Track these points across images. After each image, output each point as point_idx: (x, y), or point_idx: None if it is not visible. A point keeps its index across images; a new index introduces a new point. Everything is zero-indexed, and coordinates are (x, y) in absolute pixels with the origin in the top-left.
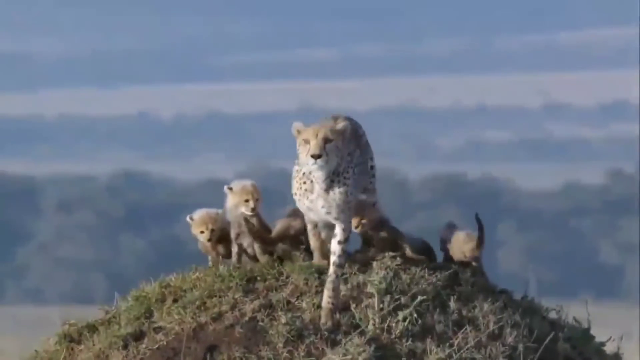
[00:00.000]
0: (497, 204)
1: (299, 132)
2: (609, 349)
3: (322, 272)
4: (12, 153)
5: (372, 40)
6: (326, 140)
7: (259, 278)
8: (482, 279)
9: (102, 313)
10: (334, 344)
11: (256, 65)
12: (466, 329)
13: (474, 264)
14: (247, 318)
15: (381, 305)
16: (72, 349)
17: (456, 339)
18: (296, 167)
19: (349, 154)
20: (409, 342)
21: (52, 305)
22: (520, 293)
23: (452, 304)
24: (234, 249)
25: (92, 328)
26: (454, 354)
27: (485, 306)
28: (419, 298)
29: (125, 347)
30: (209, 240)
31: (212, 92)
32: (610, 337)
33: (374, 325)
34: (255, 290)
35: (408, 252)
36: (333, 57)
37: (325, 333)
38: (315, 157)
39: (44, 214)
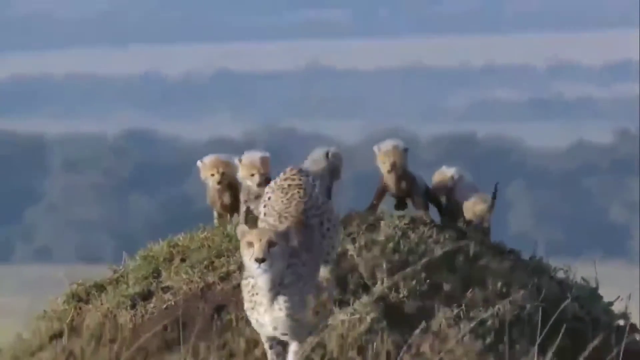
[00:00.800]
0: (506, 163)
1: (243, 234)
2: (617, 308)
3: None
4: (20, 113)
5: (380, 1)
6: (270, 244)
7: None
8: (489, 239)
9: (110, 273)
10: (343, 303)
11: (265, 25)
12: (474, 288)
13: (485, 224)
14: None
15: (389, 265)
16: (80, 309)
17: (464, 298)
18: (245, 280)
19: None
20: (417, 301)
21: (60, 264)
22: (529, 253)
23: (460, 264)
24: (242, 208)
25: (100, 288)
26: (462, 314)
27: (494, 265)
28: (427, 257)
29: (133, 306)
30: (219, 183)
31: (221, 52)
32: (618, 297)
33: (382, 284)
34: None
35: (419, 209)
36: (342, 18)
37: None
38: (259, 261)
39: (52, 174)
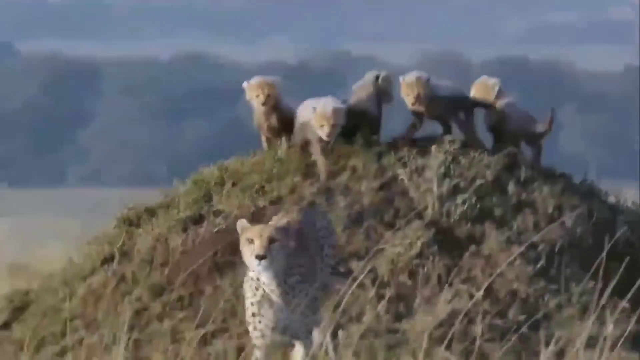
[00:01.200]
0: (558, 87)
1: (242, 230)
2: None
3: (381, 155)
4: (74, 35)
5: None
6: (271, 240)
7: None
8: (540, 163)
9: (161, 197)
10: (393, 227)
11: None
12: (525, 212)
13: (537, 148)
14: (305, 202)
15: (440, 190)
16: (132, 233)
17: (515, 222)
18: (247, 276)
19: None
20: (468, 225)
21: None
22: (580, 176)
23: (511, 188)
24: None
25: (151, 212)
26: (513, 238)
27: (545, 189)
28: (478, 182)
29: (185, 230)
30: (263, 104)
31: None
32: None
33: (432, 209)
34: (314, 174)
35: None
36: None
37: (384, 217)
38: (260, 257)
39: (105, 97)
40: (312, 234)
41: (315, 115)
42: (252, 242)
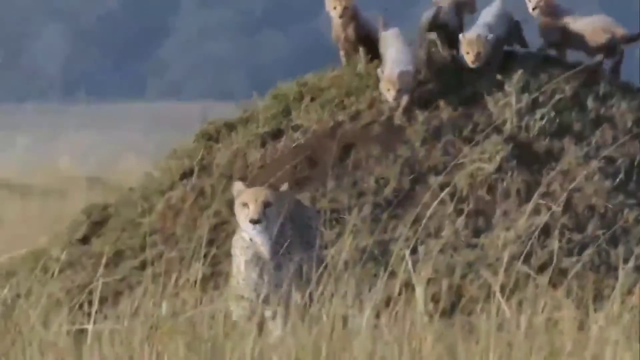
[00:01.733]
0: None
1: (238, 194)
2: None
3: (460, 70)
4: None
5: None
6: (266, 205)
7: None
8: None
9: (240, 111)
10: (472, 142)
11: None
12: (604, 127)
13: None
14: (384, 117)
15: (519, 104)
16: (210, 147)
17: (594, 137)
18: (237, 235)
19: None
20: (547, 140)
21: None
22: None
23: (590, 103)
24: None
25: (230, 126)
26: (591, 152)
27: (623, 105)
28: (557, 96)
29: (263, 145)
30: (340, 16)
31: None
32: None
33: (511, 124)
34: None
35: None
36: None
37: (463, 132)
38: (254, 222)
39: (185, 10)
40: (303, 223)
41: (383, 80)
42: (246, 206)
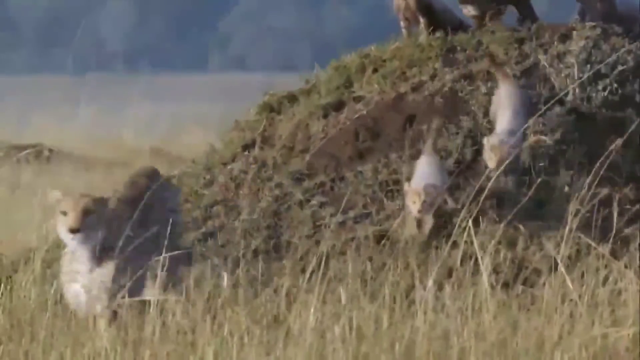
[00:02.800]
0: None
1: (57, 202)
2: None
3: (522, 42)
4: None
5: None
6: (86, 213)
7: (458, 48)
8: None
9: (302, 83)
10: (534, 114)
11: None
12: None
13: None
14: (447, 88)
15: (581, 75)
16: (272, 119)
17: None
18: (65, 250)
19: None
20: (609, 112)
21: (255, 73)
22: None
23: None
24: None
25: (292, 98)
26: None
27: None
28: (619, 68)
29: (325, 116)
30: None
31: None
32: None
33: (573, 95)
34: (455, 60)
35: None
36: None
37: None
38: (73, 231)
39: None
40: (159, 207)
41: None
42: (65, 214)
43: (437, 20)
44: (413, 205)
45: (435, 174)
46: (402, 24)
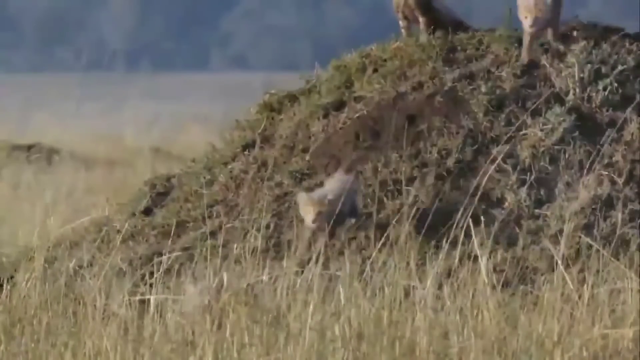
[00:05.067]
0: None
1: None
2: None
3: (522, 41)
4: None
5: None
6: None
7: (459, 48)
8: None
9: (302, 82)
10: (535, 113)
11: None
12: None
13: None
14: (447, 87)
15: (581, 75)
16: (273, 118)
17: None
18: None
19: None
20: (609, 111)
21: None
22: None
23: None
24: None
25: (293, 98)
26: None
27: None
28: (620, 67)
29: (326, 116)
30: None
31: None
32: None
33: (574, 94)
34: (456, 59)
35: None
36: None
37: (526, 103)
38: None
39: None
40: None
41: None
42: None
43: (437, 19)
44: (307, 215)
45: (337, 190)
46: (400, 23)
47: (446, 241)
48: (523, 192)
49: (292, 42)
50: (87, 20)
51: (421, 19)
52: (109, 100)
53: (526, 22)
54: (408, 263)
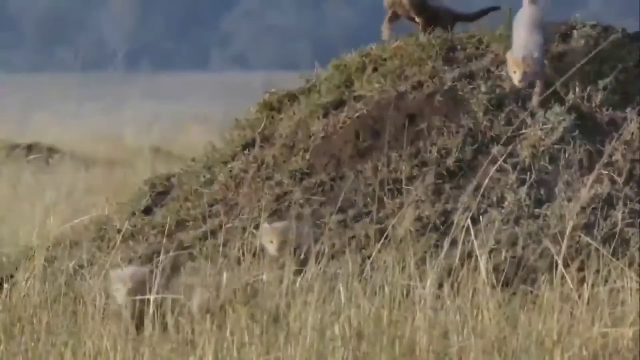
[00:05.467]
0: None
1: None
2: None
3: None
4: None
5: None
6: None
7: (459, 47)
8: None
9: (302, 81)
10: (535, 112)
11: None
12: None
13: None
14: (447, 87)
15: (581, 74)
16: (273, 118)
17: None
18: None
19: None
20: (609, 110)
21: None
22: None
23: None
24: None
25: (293, 97)
26: None
27: None
28: (620, 66)
29: (325, 115)
30: None
31: None
32: None
33: (574, 94)
34: (455, 59)
35: None
36: None
37: (526, 102)
38: None
39: None
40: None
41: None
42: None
43: (435, 18)
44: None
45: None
46: (385, 21)
47: (446, 241)
48: (523, 191)
49: (292, 41)
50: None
51: (418, 19)
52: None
53: (515, 77)
54: (408, 262)
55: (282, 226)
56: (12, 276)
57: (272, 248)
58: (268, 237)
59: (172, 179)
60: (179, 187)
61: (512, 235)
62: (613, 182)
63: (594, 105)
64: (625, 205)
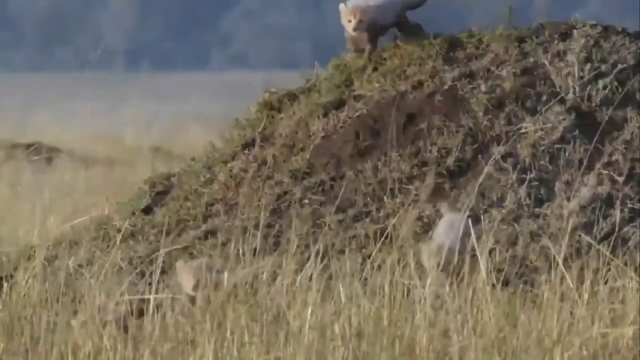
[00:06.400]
0: None
1: None
2: None
3: (522, 40)
4: None
5: None
6: None
7: (459, 47)
8: None
9: (302, 81)
10: (535, 112)
11: None
12: None
13: None
14: (447, 86)
15: (581, 74)
16: (273, 117)
17: None
18: None
19: None
20: (609, 110)
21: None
22: None
23: None
24: None
25: (293, 96)
26: None
27: None
28: (620, 66)
29: (325, 115)
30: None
31: None
32: None
33: (574, 93)
34: (455, 58)
35: None
36: None
37: (526, 102)
38: None
39: None
40: None
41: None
42: None
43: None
44: (188, 282)
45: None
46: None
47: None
48: (523, 191)
49: (292, 41)
50: (87, 20)
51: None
52: (109, 100)
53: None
54: (408, 262)
55: (197, 265)
56: (12, 275)
57: (188, 286)
58: (184, 275)
59: (172, 178)
60: (179, 187)
61: (512, 235)
62: (613, 181)
63: (593, 104)
64: (625, 204)
